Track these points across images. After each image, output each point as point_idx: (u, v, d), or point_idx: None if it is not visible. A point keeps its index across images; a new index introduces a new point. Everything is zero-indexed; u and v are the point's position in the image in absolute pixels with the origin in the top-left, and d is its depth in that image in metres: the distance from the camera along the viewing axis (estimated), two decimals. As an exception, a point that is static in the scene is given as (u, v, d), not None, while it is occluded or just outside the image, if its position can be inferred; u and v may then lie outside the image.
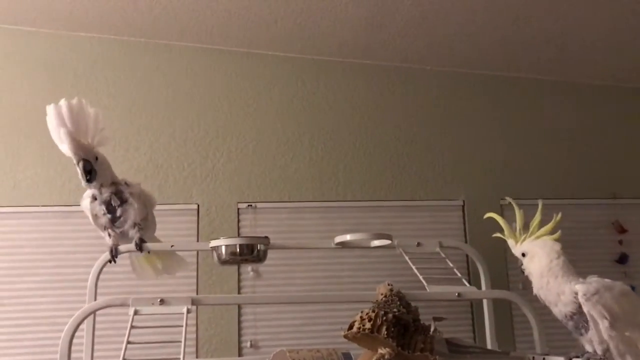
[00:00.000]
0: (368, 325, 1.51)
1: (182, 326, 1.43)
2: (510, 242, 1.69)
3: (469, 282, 1.85)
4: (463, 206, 2.91)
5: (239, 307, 2.66)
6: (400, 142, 2.95)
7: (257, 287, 2.71)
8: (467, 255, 2.72)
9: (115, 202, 1.91)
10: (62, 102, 1.78)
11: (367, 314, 1.55)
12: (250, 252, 1.78)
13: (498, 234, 1.74)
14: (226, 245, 1.77)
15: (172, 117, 2.82)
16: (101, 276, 2.08)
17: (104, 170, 1.90)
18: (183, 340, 1.38)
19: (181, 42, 2.86)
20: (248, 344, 2.63)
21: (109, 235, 1.97)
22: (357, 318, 1.56)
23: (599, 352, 1.46)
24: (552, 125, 3.08)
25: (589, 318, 1.46)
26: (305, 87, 2.94)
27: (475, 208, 2.88)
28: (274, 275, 2.73)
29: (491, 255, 2.69)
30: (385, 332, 1.49)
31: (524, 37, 2.74)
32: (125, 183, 1.97)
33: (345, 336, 1.55)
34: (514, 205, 1.71)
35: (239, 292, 2.67)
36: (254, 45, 2.87)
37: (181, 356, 1.33)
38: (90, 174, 1.82)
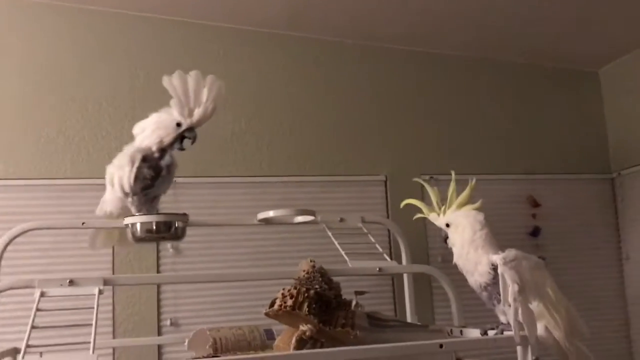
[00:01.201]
0: (289, 302, 1.49)
1: (93, 308, 1.36)
2: (433, 215, 1.70)
3: (391, 257, 1.86)
4: (385, 181, 2.94)
5: (158, 285, 2.58)
6: (324, 116, 2.92)
7: (177, 265, 2.64)
8: (389, 230, 2.75)
9: (165, 172, 1.85)
10: (210, 76, 1.85)
11: (288, 291, 1.53)
12: (167, 230, 1.71)
13: (419, 215, 1.75)
14: (141, 223, 1.68)
15: (84, 86, 2.66)
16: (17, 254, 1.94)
17: None
18: (94, 323, 1.30)
19: (93, 6, 2.68)
20: (168, 323, 2.56)
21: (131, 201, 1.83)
22: (279, 295, 1.53)
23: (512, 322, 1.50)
24: (471, 102, 3.14)
25: (500, 281, 1.50)
26: (227, 57, 2.85)
27: (397, 183, 2.92)
28: (196, 252, 2.66)
29: (412, 229, 2.73)
30: (307, 309, 1.47)
31: (447, 13, 2.76)
32: None
33: (267, 314, 1.52)
34: (425, 184, 1.73)
35: (157, 270, 2.59)
36: (174, 12, 2.74)
37: (91, 340, 1.26)
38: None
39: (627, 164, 3.12)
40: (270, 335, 1.95)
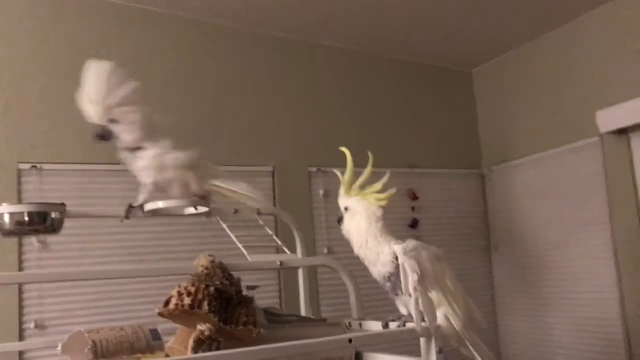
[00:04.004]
0: (187, 300, 1.37)
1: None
2: (342, 190, 1.66)
3: (277, 249, 1.79)
4: (273, 172, 2.87)
5: (20, 284, 2.30)
6: (211, 105, 2.78)
7: (44, 261, 2.38)
8: (275, 222, 2.69)
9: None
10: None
11: (185, 288, 1.40)
12: (42, 221, 1.50)
13: (337, 171, 1.69)
14: (11, 213, 1.46)
15: None
16: None
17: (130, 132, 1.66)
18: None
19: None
20: (32, 325, 2.31)
21: None
22: (174, 293, 1.40)
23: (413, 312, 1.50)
24: (357, 96, 3.17)
25: (401, 271, 1.49)
26: (104, 34, 2.60)
27: (285, 174, 2.87)
28: (65, 246, 2.42)
29: (299, 220, 2.69)
30: (207, 307, 1.36)
31: (336, 6, 2.74)
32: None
33: (161, 314, 1.39)
34: (370, 156, 1.66)
35: (20, 267, 2.32)
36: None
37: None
38: (102, 139, 1.64)
39: (496, 160, 3.33)
40: (155, 335, 1.79)
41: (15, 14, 2.44)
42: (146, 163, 1.68)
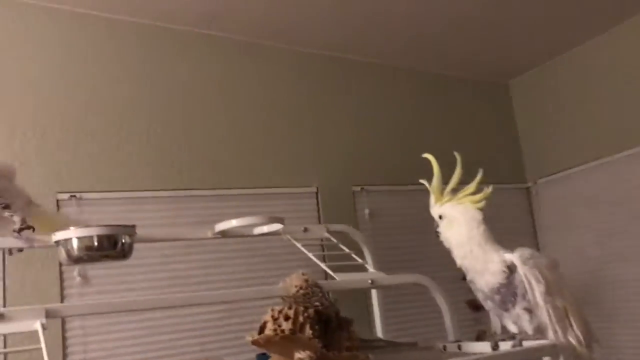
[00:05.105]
0: (287, 325, 1.22)
1: (38, 348, 1.00)
2: (433, 198, 1.52)
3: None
4: (317, 193, 2.74)
5: (63, 320, 2.14)
6: (254, 127, 2.68)
7: (86, 295, 2.23)
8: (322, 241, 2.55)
9: None
10: None
11: (280, 312, 1.26)
12: (112, 246, 1.36)
13: (423, 181, 1.54)
14: (79, 238, 1.32)
15: None
16: None
17: None
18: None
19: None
20: (77, 365, 2.14)
21: None
22: (269, 318, 1.25)
23: (529, 330, 1.37)
24: (397, 114, 3.07)
25: (524, 281, 1.37)
26: (141, 58, 2.51)
27: (329, 195, 2.75)
28: (106, 280, 2.26)
29: (345, 242, 2.56)
30: (310, 332, 1.22)
31: (371, 23, 2.67)
32: None
33: (256, 342, 1.24)
34: (458, 158, 1.53)
35: (62, 302, 2.16)
36: None
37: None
38: None
39: (542, 173, 3.22)
40: (226, 369, 1.65)
41: (35, 45, 2.34)
42: None
